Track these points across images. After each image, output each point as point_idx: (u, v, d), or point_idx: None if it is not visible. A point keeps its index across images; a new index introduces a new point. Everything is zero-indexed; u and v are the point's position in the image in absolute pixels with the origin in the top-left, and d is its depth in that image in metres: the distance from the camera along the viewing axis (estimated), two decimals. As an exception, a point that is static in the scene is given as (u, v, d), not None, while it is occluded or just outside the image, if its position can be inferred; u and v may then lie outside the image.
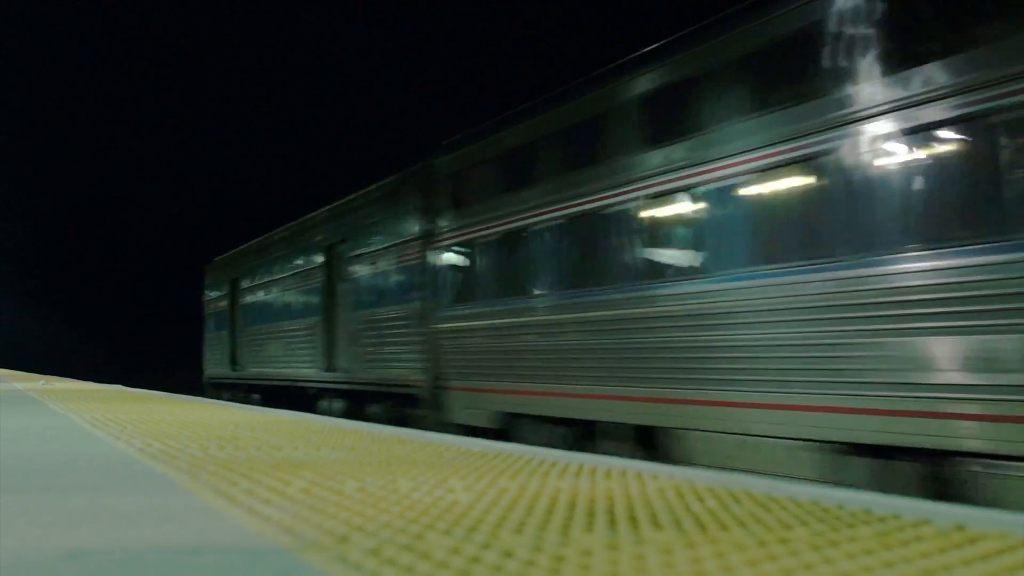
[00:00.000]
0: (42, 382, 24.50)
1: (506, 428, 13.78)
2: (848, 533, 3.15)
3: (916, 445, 7.92)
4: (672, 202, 10.87)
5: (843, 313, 8.63)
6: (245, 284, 27.10)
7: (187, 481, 4.55)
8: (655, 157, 11.15)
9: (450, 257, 15.68)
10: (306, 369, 21.38)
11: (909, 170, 8.22)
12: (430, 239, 16.23)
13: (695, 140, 10.57)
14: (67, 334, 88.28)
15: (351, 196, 20.09)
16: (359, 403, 18.78)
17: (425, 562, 2.71)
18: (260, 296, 25.49)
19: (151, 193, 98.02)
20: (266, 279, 25.09)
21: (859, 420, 8.41)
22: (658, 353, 10.88)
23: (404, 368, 16.63)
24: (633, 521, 3.35)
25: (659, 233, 11.11)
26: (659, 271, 11.02)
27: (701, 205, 10.43)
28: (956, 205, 7.82)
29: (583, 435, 12.20)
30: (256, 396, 25.34)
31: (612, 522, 3.33)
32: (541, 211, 13.27)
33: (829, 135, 8.92)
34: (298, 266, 22.65)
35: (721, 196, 10.14)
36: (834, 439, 8.65)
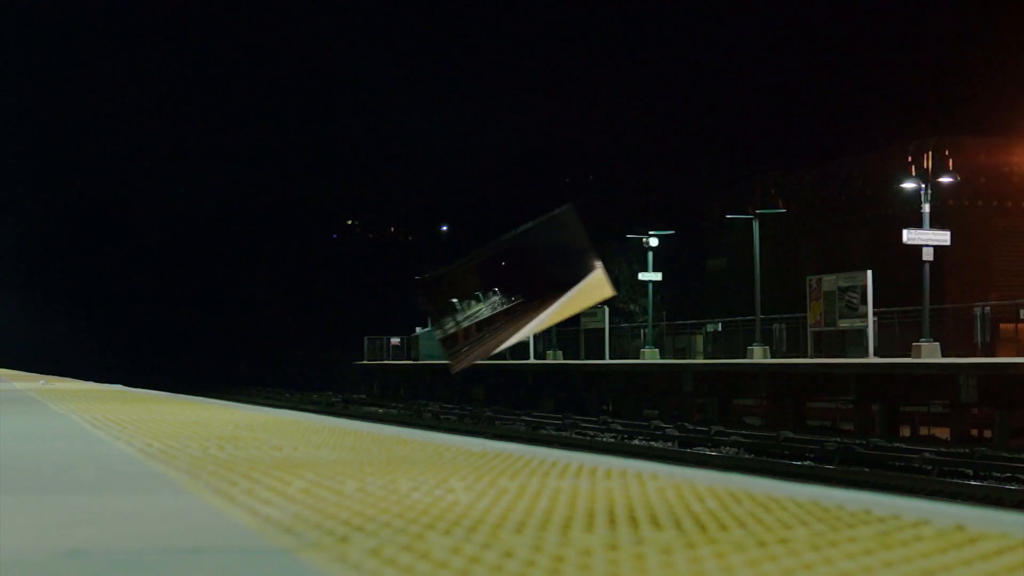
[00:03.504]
0: (42, 382, 24.49)
1: None
2: (848, 533, 3.15)
3: None
4: None
5: None
6: None
7: (187, 481, 4.55)
8: None
9: None
10: None
11: None
12: None
13: None
14: (67, 334, 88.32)
15: None
16: None
17: (425, 562, 2.71)
18: None
19: (151, 193, 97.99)
20: None
21: None
22: None
23: None
24: (633, 521, 3.35)
25: None
26: None
27: None
28: None
29: None
30: None
31: (612, 522, 3.33)
32: None
33: None
34: None
35: None
36: None
